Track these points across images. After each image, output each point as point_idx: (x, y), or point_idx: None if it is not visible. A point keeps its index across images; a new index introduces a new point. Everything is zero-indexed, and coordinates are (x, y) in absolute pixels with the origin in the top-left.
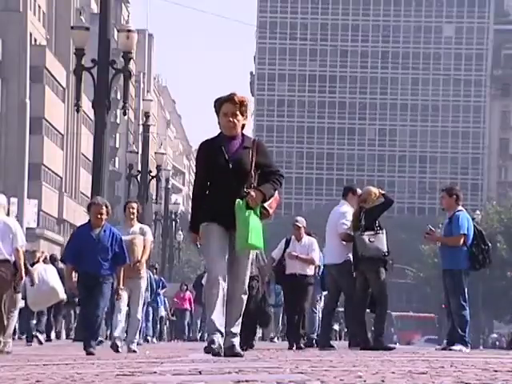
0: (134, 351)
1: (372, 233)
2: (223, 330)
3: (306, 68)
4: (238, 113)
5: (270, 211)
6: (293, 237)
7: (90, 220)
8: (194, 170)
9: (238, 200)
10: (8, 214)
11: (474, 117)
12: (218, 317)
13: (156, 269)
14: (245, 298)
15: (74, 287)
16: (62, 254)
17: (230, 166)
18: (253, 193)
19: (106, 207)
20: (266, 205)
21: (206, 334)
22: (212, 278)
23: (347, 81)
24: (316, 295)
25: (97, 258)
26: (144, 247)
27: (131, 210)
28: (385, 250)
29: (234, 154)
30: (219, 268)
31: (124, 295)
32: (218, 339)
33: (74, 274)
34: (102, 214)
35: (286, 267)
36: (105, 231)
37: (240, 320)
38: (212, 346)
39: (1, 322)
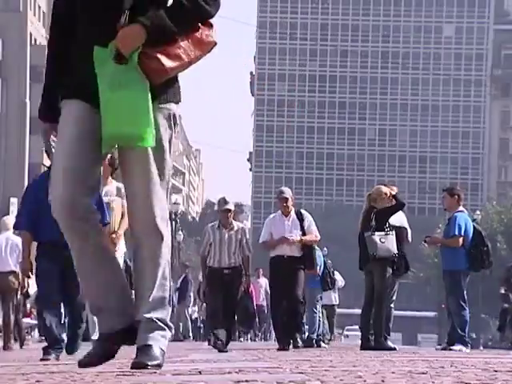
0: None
1: (382, 233)
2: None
3: (305, 68)
4: None
5: (169, 63)
6: (278, 212)
7: (49, 167)
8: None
9: (95, 47)
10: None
11: (473, 117)
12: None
13: None
14: (159, 242)
15: (28, 268)
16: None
17: None
18: (126, 28)
19: None
20: (160, 55)
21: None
22: (60, 206)
23: (347, 81)
24: (316, 295)
25: None
26: (122, 214)
27: (105, 161)
28: (395, 251)
29: None
30: (73, 182)
31: None
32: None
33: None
34: None
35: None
36: None
37: (155, 290)
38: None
39: (7, 326)
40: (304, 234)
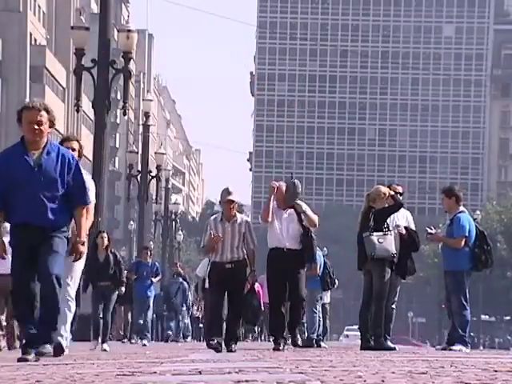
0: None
1: (381, 234)
2: None
3: (305, 68)
4: None
5: None
6: (274, 203)
7: (22, 138)
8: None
9: None
10: None
11: (473, 117)
12: None
13: (150, 251)
14: None
15: (1, 249)
16: None
17: None
18: None
19: (48, 113)
20: None
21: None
22: None
23: (347, 81)
24: (316, 295)
25: (39, 198)
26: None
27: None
28: (393, 251)
29: None
30: None
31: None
32: None
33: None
34: (40, 123)
35: (268, 240)
36: (49, 153)
37: None
38: None
39: (11, 327)
40: (303, 227)
